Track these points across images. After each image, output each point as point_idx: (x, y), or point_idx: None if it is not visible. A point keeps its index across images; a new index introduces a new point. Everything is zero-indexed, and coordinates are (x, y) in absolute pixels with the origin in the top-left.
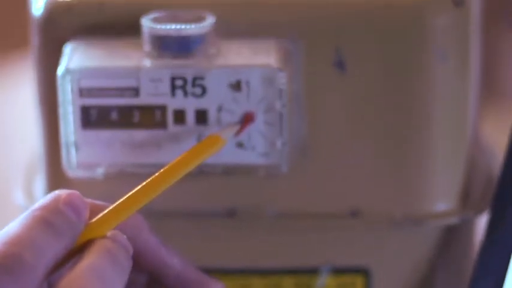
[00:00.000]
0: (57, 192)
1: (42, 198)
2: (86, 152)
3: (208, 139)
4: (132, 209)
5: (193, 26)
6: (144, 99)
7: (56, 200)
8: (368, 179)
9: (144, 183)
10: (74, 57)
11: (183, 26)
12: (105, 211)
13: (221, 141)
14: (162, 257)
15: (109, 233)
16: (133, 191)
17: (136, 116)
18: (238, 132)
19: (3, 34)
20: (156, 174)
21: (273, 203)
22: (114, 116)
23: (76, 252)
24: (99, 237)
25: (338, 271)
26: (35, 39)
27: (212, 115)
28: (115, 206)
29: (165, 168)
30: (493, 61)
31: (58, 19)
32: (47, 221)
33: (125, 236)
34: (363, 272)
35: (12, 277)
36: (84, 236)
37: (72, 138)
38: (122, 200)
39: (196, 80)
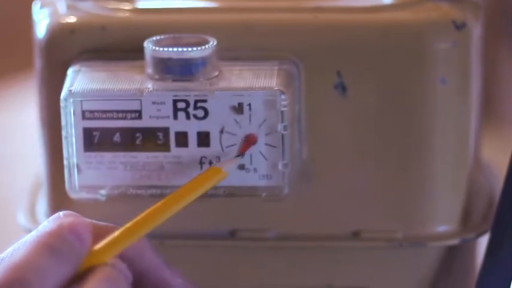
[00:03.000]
0: (61, 214)
1: (45, 221)
2: (89, 174)
3: (210, 171)
4: (133, 239)
5: (195, 49)
6: (146, 122)
7: (60, 227)
8: (369, 200)
9: (145, 213)
10: (76, 80)
11: (185, 49)
12: (107, 239)
13: (222, 174)
14: (165, 278)
15: (110, 261)
16: (134, 220)
17: (139, 139)
18: (240, 154)
19: (7, 56)
20: (157, 204)
21: (274, 224)
22: (116, 138)
23: (78, 278)
24: (100, 264)
25: None
26: (38, 61)
27: (214, 137)
28: (116, 235)
29: (166, 198)
30: (493, 83)
31: (61, 42)
32: (51, 247)
33: (124, 265)
34: None
35: None
36: (86, 263)
37: (75, 160)
38: (122, 228)
39: (199, 103)
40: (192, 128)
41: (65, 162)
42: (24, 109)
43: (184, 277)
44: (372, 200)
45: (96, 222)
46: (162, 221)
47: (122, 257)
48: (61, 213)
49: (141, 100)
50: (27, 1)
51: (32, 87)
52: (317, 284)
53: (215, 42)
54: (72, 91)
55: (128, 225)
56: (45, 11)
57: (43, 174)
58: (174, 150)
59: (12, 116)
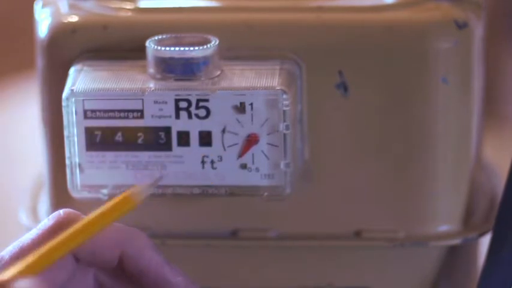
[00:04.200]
0: (61, 212)
1: (46, 219)
2: (91, 174)
3: (121, 200)
4: (37, 269)
5: (197, 48)
6: (148, 121)
7: (59, 224)
8: (371, 199)
9: (49, 244)
10: (78, 79)
11: (187, 49)
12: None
13: (132, 203)
14: (166, 275)
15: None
16: (38, 252)
17: (141, 138)
18: (241, 154)
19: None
20: (62, 235)
21: (276, 224)
22: (118, 137)
23: None
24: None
25: None
26: (40, 61)
27: (216, 137)
28: (21, 265)
29: (73, 228)
30: (495, 83)
31: (63, 41)
32: None
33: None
34: None
35: None
36: None
37: (76, 159)
38: (27, 259)
39: (200, 102)
40: (194, 127)
41: (67, 161)
42: (26, 108)
43: (185, 275)
44: (374, 200)
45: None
46: (68, 250)
47: (122, 255)
48: (61, 211)
49: (143, 99)
50: (28, 0)
51: (34, 86)
52: (318, 284)
53: (217, 42)
54: (74, 90)
55: (27, 260)
56: (47, 11)
57: (45, 173)
58: (176, 149)
59: (14, 116)
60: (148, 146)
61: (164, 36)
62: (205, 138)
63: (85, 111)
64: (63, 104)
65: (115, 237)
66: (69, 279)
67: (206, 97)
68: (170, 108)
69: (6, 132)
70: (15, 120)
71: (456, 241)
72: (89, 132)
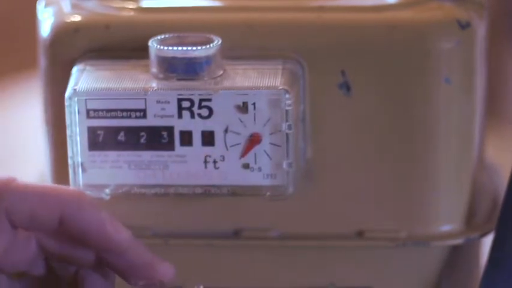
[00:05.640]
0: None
1: None
2: (93, 173)
3: None
4: None
5: (200, 48)
6: (151, 121)
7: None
8: (373, 199)
9: None
10: (81, 79)
11: (190, 48)
12: None
13: None
14: (108, 234)
15: None
16: None
17: (143, 138)
18: (244, 154)
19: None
20: None
21: (278, 223)
22: (121, 137)
23: None
24: None
25: None
26: (42, 60)
27: (219, 136)
28: None
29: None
30: (497, 83)
31: (65, 41)
32: None
33: None
34: None
35: None
36: None
37: (79, 159)
38: None
39: (203, 102)
40: (197, 127)
41: (70, 161)
42: (27, 108)
43: (128, 232)
44: (376, 200)
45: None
46: None
47: (62, 216)
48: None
49: (145, 99)
50: (30, 0)
51: (36, 86)
52: (320, 283)
53: (220, 42)
54: (77, 90)
55: None
56: (50, 10)
57: (47, 173)
58: (179, 149)
59: (15, 115)
60: (150, 146)
61: (167, 36)
62: (208, 138)
63: (88, 111)
64: (66, 103)
65: (53, 199)
66: (9, 247)
67: (209, 97)
68: (173, 108)
69: (8, 131)
70: (16, 120)
71: (458, 241)
72: (92, 132)
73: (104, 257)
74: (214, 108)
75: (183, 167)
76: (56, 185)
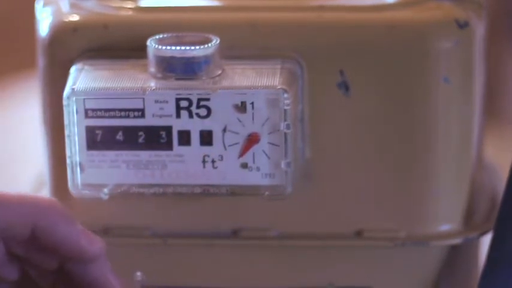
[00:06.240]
0: None
1: None
2: (92, 173)
3: None
4: None
5: (198, 47)
6: (149, 121)
7: None
8: (372, 199)
9: None
10: (79, 78)
11: (188, 48)
12: None
13: None
14: (81, 246)
15: None
16: None
17: (142, 137)
18: (242, 153)
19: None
20: None
21: (277, 223)
22: (119, 137)
23: None
24: None
25: None
26: (41, 60)
27: (217, 136)
28: None
29: None
30: (496, 83)
31: (64, 40)
32: None
33: None
34: None
35: None
36: None
37: (77, 158)
38: None
39: (201, 101)
40: (195, 126)
41: (68, 160)
42: (26, 108)
43: (102, 242)
44: (375, 199)
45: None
46: None
47: (34, 228)
48: None
49: (143, 99)
50: (29, 0)
51: (35, 85)
52: (319, 283)
53: (218, 41)
54: (75, 89)
55: None
56: (48, 10)
57: (46, 172)
58: (177, 148)
59: (13, 115)
60: (149, 145)
61: (165, 36)
62: (206, 138)
63: (86, 110)
64: (64, 103)
65: (26, 210)
66: None
67: (207, 96)
68: (171, 108)
69: (6, 131)
70: (15, 120)
71: (457, 241)
72: (90, 131)
73: (68, 267)
74: (213, 108)
75: (182, 166)
76: (31, 195)
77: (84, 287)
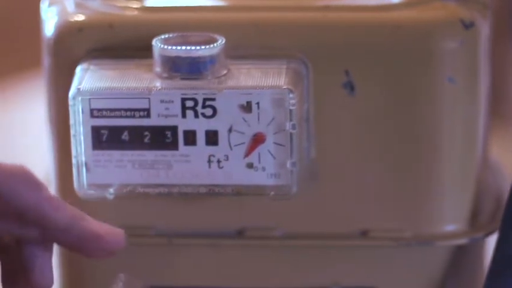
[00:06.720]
0: None
1: None
2: (97, 173)
3: None
4: None
5: (204, 47)
6: (155, 120)
7: None
8: (377, 199)
9: None
10: (85, 78)
11: (193, 48)
12: None
13: None
14: (45, 212)
15: None
16: None
17: (147, 137)
18: (248, 153)
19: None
20: None
21: (282, 223)
22: (125, 136)
23: None
24: None
25: None
26: (46, 60)
27: (222, 136)
28: None
29: None
30: (501, 83)
31: (69, 40)
32: None
33: None
34: None
35: None
36: None
37: (83, 158)
38: None
39: (207, 101)
40: (201, 126)
41: (74, 160)
42: (32, 107)
43: (69, 208)
44: (380, 199)
45: None
46: None
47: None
48: None
49: (149, 98)
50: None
51: (40, 85)
52: (324, 283)
53: (223, 41)
54: (81, 89)
55: None
56: (54, 9)
57: (51, 172)
58: (183, 148)
59: (18, 115)
60: (154, 145)
61: (170, 35)
62: (212, 138)
63: (91, 110)
64: (70, 102)
65: None
66: None
67: (213, 96)
68: (177, 107)
69: (11, 131)
70: (19, 120)
71: (462, 241)
72: (96, 131)
73: (48, 233)
74: (218, 108)
75: (187, 166)
76: None
77: (71, 247)
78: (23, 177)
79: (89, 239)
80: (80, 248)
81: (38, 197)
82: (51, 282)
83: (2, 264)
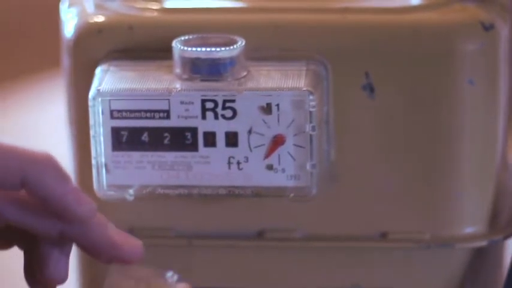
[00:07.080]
0: None
1: None
2: (117, 174)
3: None
4: None
5: (223, 49)
6: (174, 122)
7: None
8: (397, 201)
9: None
10: (105, 79)
11: (213, 49)
12: None
13: None
14: (68, 205)
15: None
16: None
17: (167, 138)
18: (267, 155)
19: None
20: None
21: (302, 225)
22: (144, 138)
23: None
24: None
25: None
26: (66, 61)
27: (242, 137)
28: None
29: None
30: None
31: (89, 41)
32: None
33: None
34: None
35: None
36: None
37: (103, 159)
38: None
39: (227, 103)
40: (220, 128)
41: (93, 161)
42: (52, 108)
43: (92, 204)
44: (400, 201)
45: None
46: None
47: (23, 181)
48: None
49: (169, 100)
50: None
51: (60, 86)
52: (344, 285)
53: (243, 42)
54: (101, 90)
55: None
56: (73, 11)
57: (71, 173)
58: (202, 150)
59: (36, 115)
60: (174, 147)
61: (190, 37)
62: (232, 139)
63: (111, 111)
64: (90, 103)
65: (15, 159)
66: None
67: (233, 98)
68: (196, 109)
69: (29, 132)
70: (40, 120)
71: (482, 243)
72: (115, 132)
73: (67, 231)
74: (238, 109)
75: (207, 168)
76: (25, 148)
77: (88, 251)
78: (51, 166)
79: (105, 246)
80: (94, 253)
81: (63, 188)
82: (65, 277)
83: (26, 258)
